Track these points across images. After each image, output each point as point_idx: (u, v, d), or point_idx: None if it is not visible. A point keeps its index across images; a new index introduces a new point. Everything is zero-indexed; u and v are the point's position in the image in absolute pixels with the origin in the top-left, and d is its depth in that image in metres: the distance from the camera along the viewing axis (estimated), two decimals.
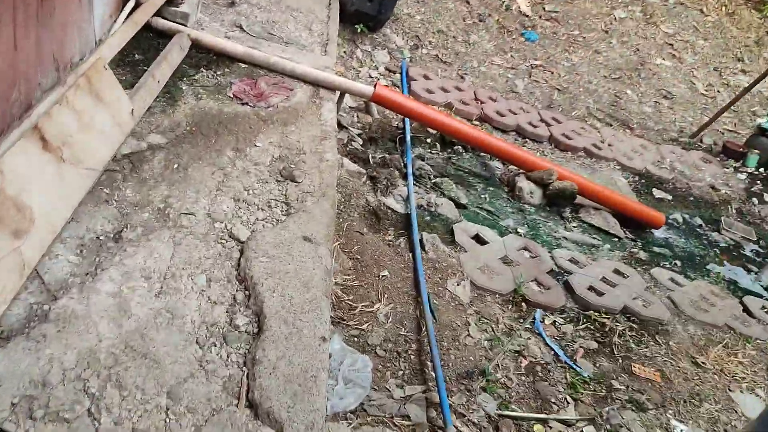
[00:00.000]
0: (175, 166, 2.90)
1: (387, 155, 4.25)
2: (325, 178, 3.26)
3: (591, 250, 4.19)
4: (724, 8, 9.86)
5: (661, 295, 3.93)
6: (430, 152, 4.64)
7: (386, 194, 3.88)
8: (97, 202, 2.54)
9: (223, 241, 2.62)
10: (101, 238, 2.40)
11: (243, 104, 3.60)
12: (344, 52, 5.56)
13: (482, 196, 4.33)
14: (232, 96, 3.64)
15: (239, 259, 2.55)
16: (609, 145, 5.75)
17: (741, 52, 9.03)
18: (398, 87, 5.38)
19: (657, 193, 5.38)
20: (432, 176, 4.26)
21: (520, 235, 4.01)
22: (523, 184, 4.39)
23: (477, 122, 5.33)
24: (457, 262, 3.50)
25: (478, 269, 3.49)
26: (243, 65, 4.01)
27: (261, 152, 3.28)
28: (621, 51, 8.04)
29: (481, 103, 5.52)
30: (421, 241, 3.50)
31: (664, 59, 8.26)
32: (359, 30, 5.80)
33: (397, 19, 6.56)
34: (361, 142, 4.35)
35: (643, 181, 5.49)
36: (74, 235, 2.36)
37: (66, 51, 2.65)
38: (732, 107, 7.42)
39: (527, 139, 5.39)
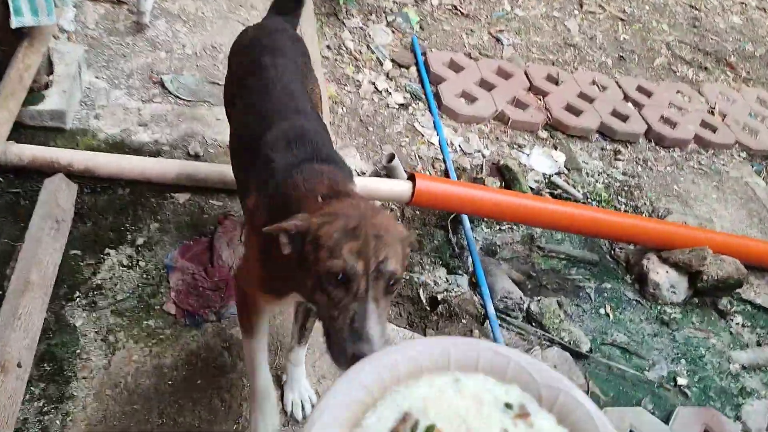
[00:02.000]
0: None
1: (448, 291, 2.58)
2: None
3: None
4: None
5: None
6: (500, 231, 2.97)
7: None
8: None
9: None
10: None
11: (199, 323, 1.92)
12: (328, 46, 3.63)
13: (601, 310, 2.74)
14: (174, 308, 1.93)
15: None
16: (722, 116, 4.02)
17: None
18: (419, 99, 3.53)
19: None
20: (523, 304, 2.63)
21: (687, 395, 2.49)
22: (660, 276, 2.78)
23: (546, 131, 3.57)
24: None
25: None
26: (181, 195, 2.26)
27: None
28: None
29: (543, 95, 3.71)
30: None
31: None
32: (341, 0, 3.82)
33: None
34: None
35: None
36: None
37: None
38: None
39: (618, 144, 3.66)
